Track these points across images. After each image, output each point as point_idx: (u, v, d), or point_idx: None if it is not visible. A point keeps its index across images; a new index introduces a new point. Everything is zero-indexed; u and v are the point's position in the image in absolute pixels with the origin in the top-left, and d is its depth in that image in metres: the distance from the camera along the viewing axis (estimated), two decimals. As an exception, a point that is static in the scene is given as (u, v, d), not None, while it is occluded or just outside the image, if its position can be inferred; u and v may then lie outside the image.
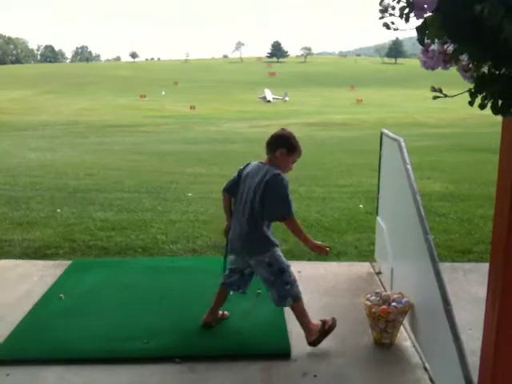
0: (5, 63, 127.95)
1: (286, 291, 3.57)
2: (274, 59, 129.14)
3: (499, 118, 2.28)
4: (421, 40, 1.76)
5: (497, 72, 1.73)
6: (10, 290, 4.57)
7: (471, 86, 1.83)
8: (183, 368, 3.42)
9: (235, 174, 3.78)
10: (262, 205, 3.50)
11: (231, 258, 3.80)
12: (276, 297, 3.61)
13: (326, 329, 3.64)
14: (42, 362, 3.46)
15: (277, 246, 3.64)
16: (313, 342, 3.60)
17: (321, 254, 3.67)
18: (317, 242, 3.63)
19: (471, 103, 1.81)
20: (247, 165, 3.76)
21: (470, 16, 1.58)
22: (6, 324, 3.91)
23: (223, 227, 3.88)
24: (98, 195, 8.36)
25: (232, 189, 3.76)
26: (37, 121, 26.99)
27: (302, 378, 3.31)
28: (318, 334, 3.61)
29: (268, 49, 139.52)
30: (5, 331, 3.79)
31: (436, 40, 1.76)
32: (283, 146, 3.58)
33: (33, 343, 3.67)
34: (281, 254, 3.64)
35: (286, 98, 48.56)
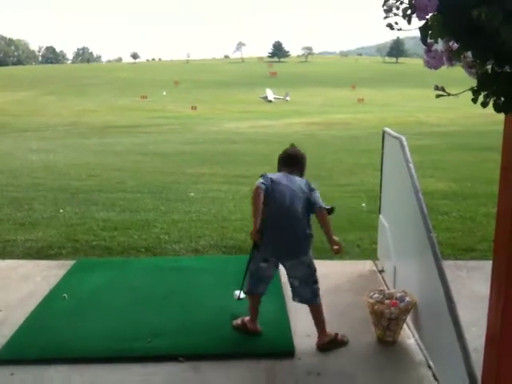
0: (6, 65, 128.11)
1: (316, 290, 3.73)
2: (276, 59, 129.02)
3: (501, 116, 2.28)
4: (424, 40, 1.77)
5: (499, 70, 1.73)
6: (14, 290, 4.59)
7: (474, 84, 1.83)
8: (187, 367, 3.43)
9: (264, 181, 3.63)
10: (307, 205, 3.64)
11: (262, 265, 3.70)
12: (310, 295, 3.71)
13: (339, 338, 3.69)
14: (45, 361, 3.48)
15: None
16: (323, 345, 3.64)
17: (336, 250, 3.69)
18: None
19: (474, 101, 1.81)
20: (267, 175, 3.69)
21: (469, 17, 1.59)
22: (9, 324, 3.92)
23: (252, 229, 3.60)
24: (101, 196, 8.37)
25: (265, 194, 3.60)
26: (38, 122, 27.01)
27: (306, 376, 3.32)
28: (329, 339, 3.65)
29: (269, 49, 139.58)
30: (9, 331, 3.80)
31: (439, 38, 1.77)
32: (302, 166, 3.89)
33: (37, 343, 3.68)
34: None
35: (288, 98, 48.46)
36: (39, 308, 4.21)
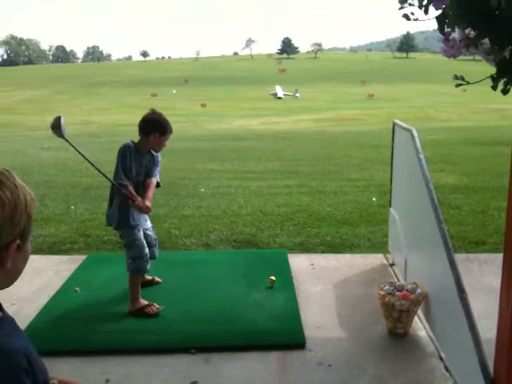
0: (17, 64, 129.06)
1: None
2: (285, 55, 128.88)
3: (510, 111, 2.25)
4: (441, 29, 1.76)
5: None
6: (27, 284, 4.61)
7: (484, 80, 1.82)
8: (198, 359, 3.44)
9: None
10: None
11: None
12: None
13: (145, 310, 3.95)
14: (58, 353, 3.49)
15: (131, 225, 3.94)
16: (132, 311, 3.97)
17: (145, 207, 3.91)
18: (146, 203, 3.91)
19: (494, 88, 1.79)
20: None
21: (486, 5, 1.58)
22: (22, 317, 3.94)
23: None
24: (112, 192, 8.39)
25: None
26: (49, 121, 27.11)
27: (317, 367, 3.32)
28: (137, 308, 3.95)
29: (278, 45, 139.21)
30: (21, 324, 3.76)
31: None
32: (155, 130, 3.88)
33: (49, 336, 3.71)
34: (133, 231, 3.95)
35: (297, 95, 48.38)
36: (52, 301, 4.24)
